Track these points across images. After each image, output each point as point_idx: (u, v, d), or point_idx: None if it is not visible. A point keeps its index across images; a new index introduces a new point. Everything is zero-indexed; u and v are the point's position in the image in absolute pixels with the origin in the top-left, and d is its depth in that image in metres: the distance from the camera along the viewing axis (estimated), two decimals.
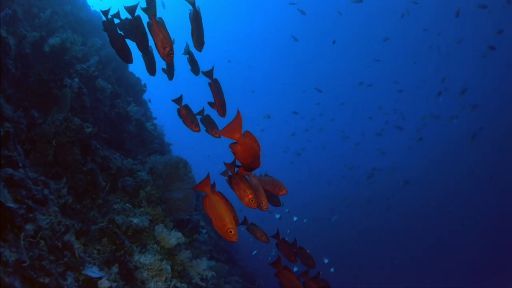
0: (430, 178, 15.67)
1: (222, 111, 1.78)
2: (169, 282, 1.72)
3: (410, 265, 11.89)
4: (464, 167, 14.69)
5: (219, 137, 1.80)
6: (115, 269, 1.48)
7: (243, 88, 17.20)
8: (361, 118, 15.05)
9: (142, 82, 3.78)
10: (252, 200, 1.42)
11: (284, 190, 1.64)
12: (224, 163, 1.52)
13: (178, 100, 1.84)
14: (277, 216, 3.36)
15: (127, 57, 1.66)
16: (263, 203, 1.49)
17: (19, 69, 2.08)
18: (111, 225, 1.61)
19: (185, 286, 1.85)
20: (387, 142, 12.95)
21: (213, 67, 1.73)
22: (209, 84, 1.73)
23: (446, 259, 12.94)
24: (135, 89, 3.56)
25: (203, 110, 1.91)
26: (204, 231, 2.73)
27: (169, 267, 1.81)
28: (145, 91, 3.81)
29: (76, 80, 2.12)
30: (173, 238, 1.92)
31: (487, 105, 13.27)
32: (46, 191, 1.48)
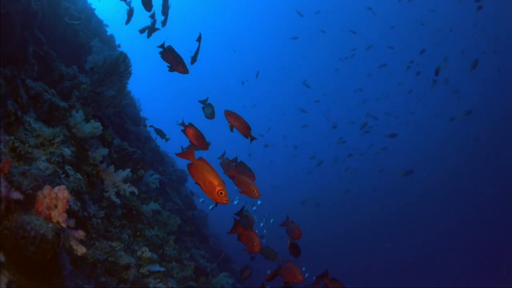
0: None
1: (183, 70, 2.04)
2: (57, 158, 1.45)
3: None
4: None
5: None
6: None
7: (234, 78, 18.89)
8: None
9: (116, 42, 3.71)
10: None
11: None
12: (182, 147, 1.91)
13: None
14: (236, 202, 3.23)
15: None
16: (255, 191, 1.60)
17: None
18: (11, 72, 1.47)
19: (79, 177, 1.57)
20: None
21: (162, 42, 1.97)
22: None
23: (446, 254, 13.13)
24: (109, 45, 3.32)
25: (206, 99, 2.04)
26: (156, 176, 2.44)
27: (67, 150, 1.57)
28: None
29: None
30: (88, 125, 1.70)
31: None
32: None
